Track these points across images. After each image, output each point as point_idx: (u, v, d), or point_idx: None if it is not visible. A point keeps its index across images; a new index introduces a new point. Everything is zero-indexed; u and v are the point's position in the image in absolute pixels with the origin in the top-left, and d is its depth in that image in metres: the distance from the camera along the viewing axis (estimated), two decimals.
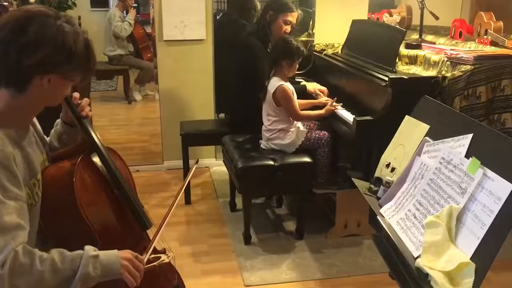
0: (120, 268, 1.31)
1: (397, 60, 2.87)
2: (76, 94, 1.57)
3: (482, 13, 3.04)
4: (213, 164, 4.09)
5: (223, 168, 3.43)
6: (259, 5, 4.05)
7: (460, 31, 3.13)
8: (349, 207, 2.91)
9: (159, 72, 3.91)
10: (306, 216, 3.00)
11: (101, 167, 1.55)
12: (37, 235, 1.41)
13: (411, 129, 1.66)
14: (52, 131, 1.64)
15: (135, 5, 6.40)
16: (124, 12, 6.05)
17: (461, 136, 1.40)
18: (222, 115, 4.26)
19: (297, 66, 2.95)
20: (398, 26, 3.28)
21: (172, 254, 1.62)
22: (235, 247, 2.87)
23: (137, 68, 6.21)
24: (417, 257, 1.29)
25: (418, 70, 2.78)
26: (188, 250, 2.84)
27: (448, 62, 2.60)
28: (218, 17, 4.40)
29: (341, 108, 2.92)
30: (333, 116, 2.91)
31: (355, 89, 3.01)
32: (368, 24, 3.47)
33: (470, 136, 1.36)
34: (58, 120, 1.64)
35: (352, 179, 1.80)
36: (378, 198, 1.64)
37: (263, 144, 2.99)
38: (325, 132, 2.97)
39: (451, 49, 2.76)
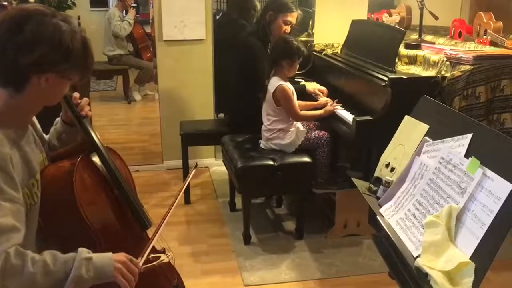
0: (113, 271, 1.29)
1: (396, 60, 2.88)
2: (76, 94, 1.56)
3: (481, 13, 3.05)
4: (213, 164, 4.09)
5: (223, 168, 3.43)
6: (258, 5, 4.05)
7: (460, 31, 3.13)
8: (348, 207, 2.91)
9: (158, 72, 3.91)
10: (306, 216, 3.00)
11: (101, 167, 1.55)
12: (37, 234, 1.41)
13: (411, 129, 1.67)
14: (52, 129, 1.64)
15: (135, 5, 6.39)
16: (124, 12, 6.05)
17: (460, 136, 1.40)
18: (221, 115, 4.26)
19: (298, 66, 2.95)
20: (397, 26, 3.28)
21: (171, 253, 1.62)
22: (234, 247, 2.87)
23: (137, 68, 6.21)
24: (417, 257, 1.29)
25: (417, 70, 2.78)
26: (188, 250, 2.84)
27: (448, 62, 2.60)
28: (217, 17, 4.40)
29: (341, 108, 2.92)
30: (332, 116, 2.91)
31: (355, 89, 3.02)
32: (368, 24, 3.47)
33: (469, 136, 1.37)
34: (58, 119, 1.63)
35: (352, 179, 1.80)
36: (378, 198, 1.64)
37: (262, 144, 2.99)
38: (324, 132, 2.97)
39: (451, 49, 2.77)
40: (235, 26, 3.85)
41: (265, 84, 2.94)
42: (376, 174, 1.73)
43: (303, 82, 3.35)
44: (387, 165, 1.70)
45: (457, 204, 1.27)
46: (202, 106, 3.97)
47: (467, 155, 1.33)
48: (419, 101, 1.73)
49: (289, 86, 2.88)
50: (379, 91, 2.62)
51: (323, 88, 3.21)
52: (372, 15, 3.95)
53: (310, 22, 3.97)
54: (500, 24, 2.91)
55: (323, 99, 3.08)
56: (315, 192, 3.05)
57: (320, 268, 2.66)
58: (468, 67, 2.48)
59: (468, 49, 2.86)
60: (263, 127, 2.99)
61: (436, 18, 3.10)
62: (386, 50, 2.84)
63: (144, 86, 6.37)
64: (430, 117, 1.62)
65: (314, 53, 3.65)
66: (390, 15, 3.77)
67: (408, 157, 1.59)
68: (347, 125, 2.73)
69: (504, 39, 2.83)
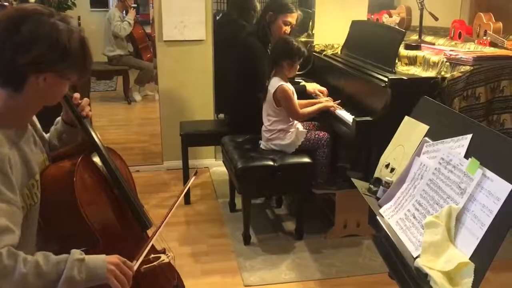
0: (106, 272, 1.28)
1: (396, 61, 2.88)
2: (77, 95, 1.56)
3: (481, 14, 3.05)
4: (213, 165, 4.09)
5: (223, 169, 3.44)
6: (259, 6, 4.05)
7: (460, 32, 3.14)
8: (348, 207, 2.91)
9: (158, 72, 3.91)
10: (306, 216, 3.00)
11: (101, 167, 1.55)
12: (37, 234, 1.41)
13: (411, 130, 1.67)
14: (52, 129, 1.63)
15: (135, 5, 6.40)
16: (124, 12, 6.06)
17: (460, 137, 1.40)
18: (221, 115, 4.26)
19: (298, 66, 2.95)
20: (397, 27, 3.29)
21: (171, 254, 1.63)
22: (234, 247, 2.87)
23: (137, 68, 6.21)
24: (417, 257, 1.29)
25: (417, 71, 2.78)
26: (188, 250, 2.84)
27: (448, 63, 2.60)
28: (217, 18, 4.41)
29: (341, 108, 2.92)
30: (332, 116, 2.92)
31: (355, 90, 3.02)
32: (368, 25, 3.47)
33: (469, 136, 1.37)
34: (59, 119, 1.63)
35: (352, 179, 1.81)
36: (378, 199, 1.64)
37: (262, 144, 2.99)
38: (324, 132, 2.97)
39: (451, 50, 2.77)
40: (235, 27, 3.85)
41: (265, 84, 2.94)
42: (376, 174, 1.73)
43: (303, 83, 3.35)
44: (387, 166, 1.70)
45: (456, 205, 1.27)
46: (202, 107, 3.97)
47: (466, 156, 1.33)
48: (419, 101, 1.74)
49: (289, 87, 2.88)
50: (379, 91, 2.62)
51: (323, 89, 3.21)
52: (372, 16, 3.96)
53: (310, 23, 3.98)
54: (500, 24, 2.92)
55: (323, 99, 3.08)
56: (315, 193, 3.05)
57: (320, 269, 2.66)
58: (468, 68, 2.49)
59: (468, 50, 2.86)
60: (263, 128, 2.99)
61: (436, 19, 3.10)
62: (386, 50, 2.84)
63: (144, 87, 6.38)
64: (430, 118, 1.62)
65: (314, 53, 3.66)
66: (390, 16, 3.77)
67: (408, 158, 1.60)
68: (347, 125, 2.73)
69: (504, 39, 2.83)
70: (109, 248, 1.45)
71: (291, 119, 2.92)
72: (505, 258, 2.59)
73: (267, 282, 2.54)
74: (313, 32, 3.87)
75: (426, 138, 1.56)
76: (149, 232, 1.61)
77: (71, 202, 1.40)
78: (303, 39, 3.89)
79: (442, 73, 2.59)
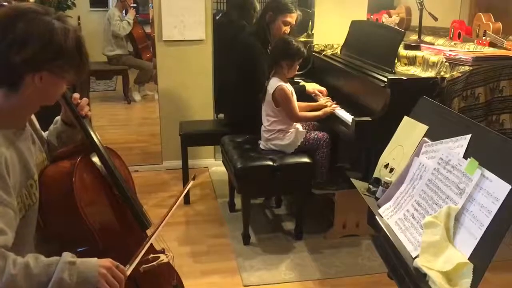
0: (97, 276, 1.25)
1: (396, 61, 2.88)
2: (76, 95, 1.56)
3: (481, 14, 3.05)
4: (212, 164, 4.09)
5: (222, 168, 3.43)
6: (258, 6, 4.05)
7: (459, 32, 3.14)
8: (348, 208, 2.91)
9: (158, 72, 3.91)
10: (305, 216, 3.00)
11: (101, 167, 1.55)
12: (37, 234, 1.41)
13: (410, 130, 1.67)
14: (51, 128, 1.63)
15: (134, 5, 6.39)
16: (124, 12, 6.06)
17: (459, 137, 1.40)
18: (221, 115, 4.26)
19: (298, 67, 2.95)
20: (397, 27, 3.29)
21: (171, 254, 1.63)
22: (234, 247, 2.87)
23: (137, 68, 6.21)
24: (416, 257, 1.29)
25: (417, 71, 2.79)
26: (187, 250, 2.85)
27: (447, 63, 2.60)
28: (217, 18, 4.41)
29: (340, 108, 2.92)
30: (332, 116, 2.92)
31: (354, 90, 3.02)
32: (367, 25, 3.47)
33: (468, 137, 1.37)
34: (58, 118, 1.62)
35: (351, 179, 1.81)
36: (377, 199, 1.64)
37: (262, 144, 2.99)
38: (324, 132, 2.97)
39: (450, 50, 2.77)
40: (235, 27, 3.85)
41: (265, 84, 2.94)
42: (375, 174, 1.73)
43: (302, 83, 3.35)
44: (386, 166, 1.70)
45: (455, 205, 1.27)
46: (202, 107, 3.97)
47: (465, 156, 1.33)
48: (418, 102, 1.74)
49: (288, 87, 2.88)
50: (378, 91, 2.62)
51: (323, 89, 3.21)
52: (372, 16, 3.96)
53: (310, 23, 3.98)
54: (499, 25, 2.92)
55: (322, 99, 3.09)
56: (314, 193, 3.05)
57: (319, 268, 2.66)
58: (467, 68, 2.49)
59: (467, 50, 2.86)
60: (262, 128, 2.99)
61: (436, 19, 3.10)
62: (386, 51, 2.84)
63: (144, 86, 6.38)
64: (429, 118, 1.62)
65: (314, 53, 3.66)
66: (390, 16, 3.77)
67: (407, 158, 1.60)
68: (346, 125, 2.73)
69: (503, 40, 2.83)
70: (109, 248, 1.45)
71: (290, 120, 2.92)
72: (504, 259, 2.60)
73: (267, 282, 2.55)
74: (313, 32, 3.88)
75: (425, 138, 1.56)
76: (149, 232, 1.61)
77: (70, 202, 1.40)
78: (302, 39, 3.89)
79: (442, 73, 2.59)
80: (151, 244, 1.59)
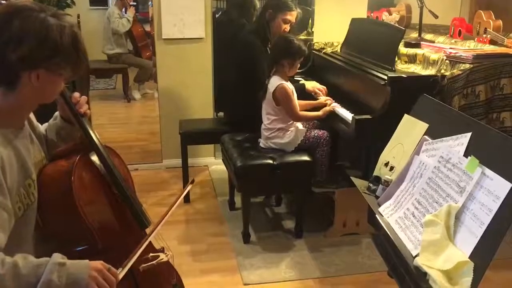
0: (87, 278, 1.22)
1: (396, 59, 2.87)
2: (77, 94, 1.55)
3: (481, 11, 3.04)
4: (212, 163, 4.09)
5: (222, 167, 3.43)
6: (258, 4, 4.04)
7: (460, 29, 3.13)
8: (348, 206, 2.91)
9: (158, 70, 3.91)
10: (305, 215, 3.00)
11: (100, 166, 1.54)
12: (36, 234, 1.41)
13: (410, 128, 1.66)
14: (51, 123, 1.61)
15: (134, 3, 6.39)
16: (124, 10, 6.05)
17: (460, 135, 1.39)
18: (221, 113, 4.26)
19: (298, 65, 2.94)
20: (397, 25, 3.28)
21: (170, 253, 1.62)
22: (234, 245, 2.87)
23: (136, 66, 6.21)
24: (416, 256, 1.29)
25: (417, 69, 2.78)
26: (187, 249, 2.84)
27: (447, 61, 2.60)
28: (217, 16, 4.40)
29: (340, 107, 2.91)
30: (332, 115, 2.91)
31: (354, 88, 3.01)
32: (367, 23, 3.46)
33: (469, 135, 1.36)
34: (57, 113, 1.61)
35: (351, 177, 1.81)
36: (377, 197, 1.64)
37: (262, 143, 2.99)
38: (324, 131, 2.96)
39: (450, 48, 2.76)
40: (235, 25, 3.84)
41: (265, 83, 2.93)
42: (375, 173, 1.73)
43: (302, 81, 3.34)
44: (386, 164, 1.70)
45: (456, 203, 1.27)
46: (202, 105, 3.97)
47: (466, 154, 1.33)
48: (419, 100, 1.73)
49: (289, 86, 2.87)
50: (378, 89, 2.62)
51: (323, 87, 3.21)
52: (372, 14, 3.95)
53: (310, 21, 3.97)
54: (500, 22, 2.91)
55: (322, 98, 3.08)
56: (314, 191, 3.05)
57: (319, 267, 2.66)
58: (467, 65, 2.48)
59: (467, 48, 2.85)
60: (262, 126, 2.98)
61: (436, 16, 3.09)
62: (386, 48, 2.84)
63: (144, 85, 6.37)
64: (430, 116, 1.61)
65: (314, 51, 3.65)
66: (390, 14, 3.76)
67: (407, 156, 1.59)
68: (346, 124, 2.73)
69: (504, 37, 2.82)
70: (108, 247, 1.44)
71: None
72: (505, 257, 2.60)
73: (267, 281, 2.54)
74: (313, 30, 3.87)
75: (426, 137, 1.56)
76: (148, 231, 1.61)
77: (69, 201, 1.39)
78: (302, 37, 3.88)
79: (442, 71, 2.58)
80: (151, 243, 1.58)
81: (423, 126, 1.60)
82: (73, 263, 1.23)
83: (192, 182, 1.75)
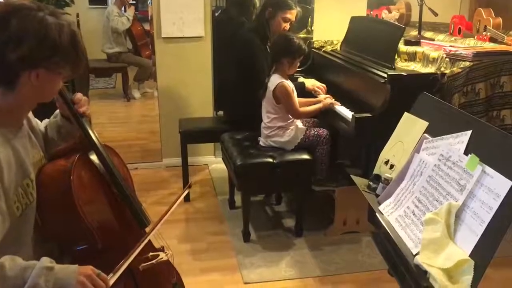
0: (75, 284, 1.21)
1: (396, 57, 2.87)
2: (79, 95, 1.55)
3: (481, 9, 3.04)
4: (212, 162, 4.09)
5: (222, 166, 3.43)
6: (258, 2, 4.03)
7: (459, 27, 3.12)
8: (348, 204, 2.91)
9: (157, 69, 3.90)
10: (305, 213, 3.00)
11: (99, 165, 1.54)
12: (35, 233, 1.40)
13: (410, 126, 1.66)
14: (52, 120, 1.61)
15: (133, 2, 6.38)
16: (123, 9, 6.05)
17: (460, 133, 1.39)
18: (221, 112, 4.25)
19: (298, 64, 2.94)
20: (397, 23, 3.27)
21: (170, 252, 1.62)
22: (234, 244, 2.87)
23: (136, 65, 6.20)
24: (416, 254, 1.29)
25: (417, 67, 2.77)
26: (187, 247, 2.84)
27: (447, 59, 2.59)
28: (216, 14, 4.39)
29: (340, 105, 2.91)
30: (332, 113, 2.91)
31: (354, 86, 3.01)
32: (367, 21, 3.46)
33: (469, 132, 1.36)
34: (57, 111, 1.60)
35: (351, 176, 1.80)
36: (377, 195, 1.63)
37: (262, 141, 2.98)
38: (324, 129, 2.96)
39: (450, 46, 2.76)
40: (234, 24, 3.83)
41: (265, 81, 2.93)
42: (376, 171, 1.72)
43: (302, 79, 3.34)
44: (386, 162, 1.69)
45: (456, 201, 1.26)
46: (202, 104, 3.96)
47: (466, 152, 1.32)
48: (419, 97, 1.73)
49: (289, 84, 2.87)
50: (378, 88, 2.61)
51: (322, 85, 3.20)
52: (372, 12, 3.94)
53: (309, 19, 3.96)
54: (500, 20, 2.91)
55: (322, 96, 3.07)
56: (314, 190, 3.05)
57: (319, 266, 2.66)
58: (467, 63, 2.48)
59: (467, 46, 2.85)
60: (262, 125, 2.98)
61: (436, 14, 3.09)
62: (386, 46, 2.83)
63: (143, 84, 6.37)
64: (430, 114, 1.61)
65: (313, 50, 3.64)
66: (390, 12, 3.76)
67: (407, 154, 1.59)
68: (346, 122, 2.73)
69: (504, 35, 2.82)
70: (108, 246, 1.44)
71: (291, 117, 2.91)
72: (505, 255, 2.59)
73: (267, 279, 2.54)
74: (312, 28, 3.86)
75: (426, 135, 1.56)
76: (148, 230, 1.61)
77: (69, 200, 1.39)
78: (302, 36, 3.87)
79: (442, 69, 2.58)
80: (150, 242, 1.58)
81: (423, 124, 1.60)
82: (61, 268, 1.22)
83: (189, 186, 1.75)
